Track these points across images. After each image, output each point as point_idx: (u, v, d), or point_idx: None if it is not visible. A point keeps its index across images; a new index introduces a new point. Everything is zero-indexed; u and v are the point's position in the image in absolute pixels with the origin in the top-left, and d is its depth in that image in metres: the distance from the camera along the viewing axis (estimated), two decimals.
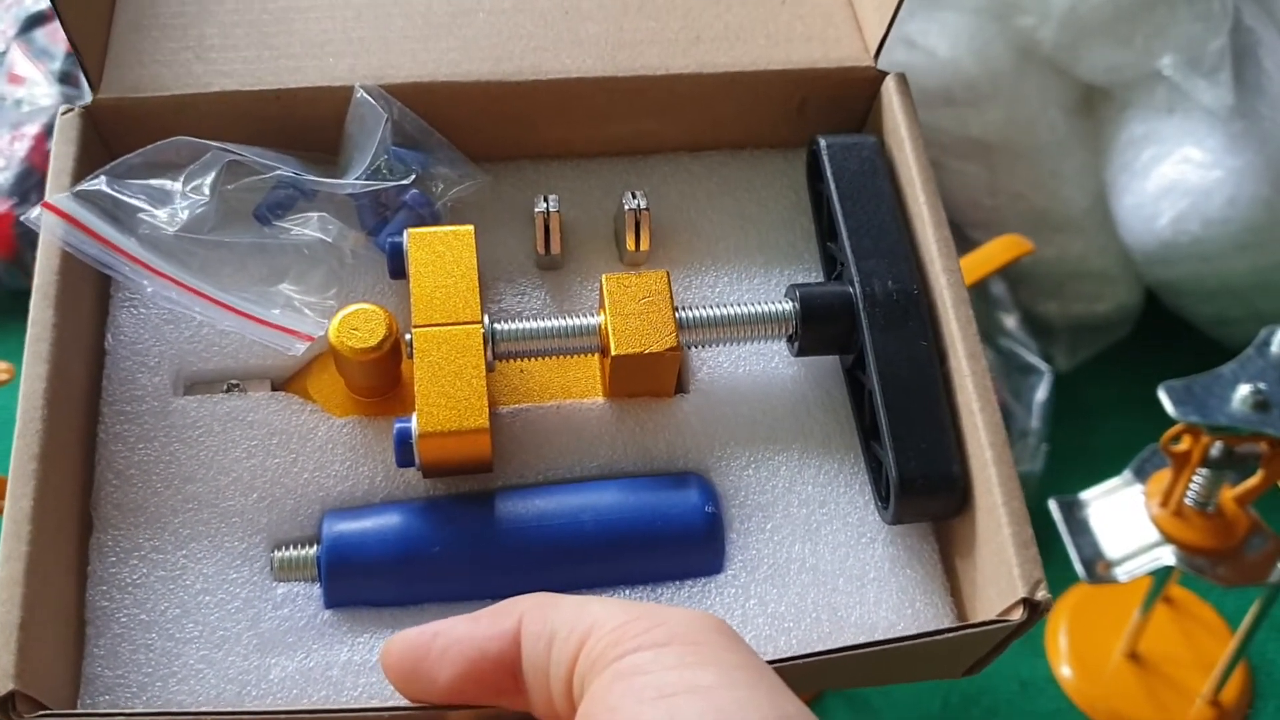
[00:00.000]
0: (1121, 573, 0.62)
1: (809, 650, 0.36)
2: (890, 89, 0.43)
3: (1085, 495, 0.66)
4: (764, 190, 0.46)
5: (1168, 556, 0.61)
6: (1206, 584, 0.62)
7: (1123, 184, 0.79)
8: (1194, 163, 0.76)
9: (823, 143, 0.42)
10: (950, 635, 0.34)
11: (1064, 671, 0.73)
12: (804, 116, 0.46)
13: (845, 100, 0.45)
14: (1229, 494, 0.62)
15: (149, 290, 0.38)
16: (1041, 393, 0.79)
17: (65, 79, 0.88)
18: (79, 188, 0.39)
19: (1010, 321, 0.82)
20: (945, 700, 0.71)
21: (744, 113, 0.45)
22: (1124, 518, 0.63)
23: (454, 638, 0.29)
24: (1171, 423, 0.56)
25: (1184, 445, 0.59)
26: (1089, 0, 0.73)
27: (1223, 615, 0.75)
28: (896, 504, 0.37)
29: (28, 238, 0.83)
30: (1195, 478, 0.60)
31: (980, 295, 0.82)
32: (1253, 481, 0.61)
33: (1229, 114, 0.74)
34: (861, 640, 0.36)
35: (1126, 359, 0.85)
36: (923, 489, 0.36)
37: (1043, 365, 0.80)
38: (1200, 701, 0.71)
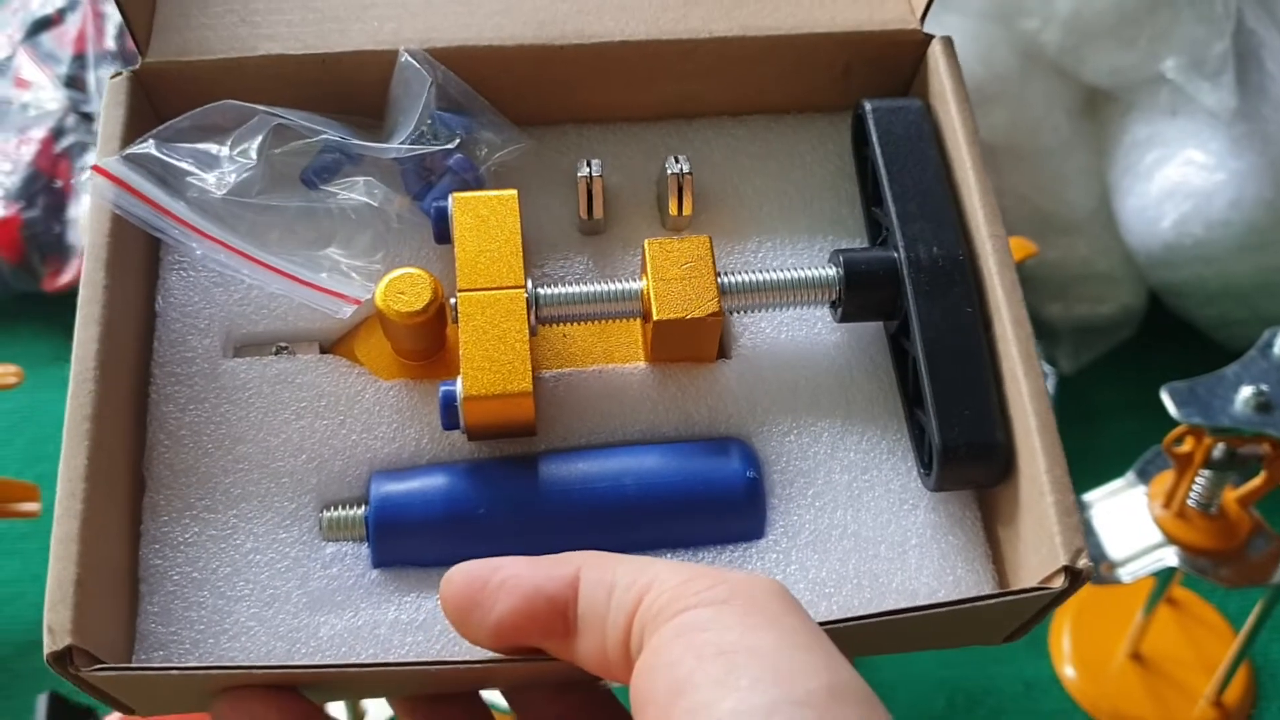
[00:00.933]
0: (1125, 574, 0.62)
1: (849, 615, 0.36)
2: (936, 52, 0.43)
3: (1089, 496, 0.66)
4: (808, 155, 0.45)
5: (1170, 558, 0.61)
6: (1209, 585, 0.62)
7: (1126, 186, 0.79)
8: (1197, 165, 0.75)
9: (868, 106, 0.42)
10: (990, 602, 0.34)
11: (1067, 672, 0.73)
12: (849, 80, 0.45)
13: (890, 64, 0.44)
14: (1232, 495, 0.62)
15: (198, 253, 0.38)
16: None
17: (71, 83, 0.88)
18: (128, 151, 0.39)
19: None
20: (950, 700, 0.71)
21: (788, 76, 0.45)
22: (1127, 519, 0.63)
23: (513, 571, 0.30)
24: (1175, 424, 0.56)
25: (1187, 447, 0.59)
26: (1092, 3, 0.73)
27: (1225, 616, 0.75)
28: (939, 471, 0.37)
29: (34, 241, 0.83)
30: (1198, 479, 0.60)
31: None
32: (1255, 483, 0.61)
33: (1232, 117, 0.74)
34: (903, 606, 0.37)
35: (1130, 361, 0.85)
36: (966, 457, 0.36)
37: (1046, 367, 0.80)
38: (1203, 702, 0.71)
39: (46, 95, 0.87)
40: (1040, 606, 0.35)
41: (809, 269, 0.40)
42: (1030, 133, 0.79)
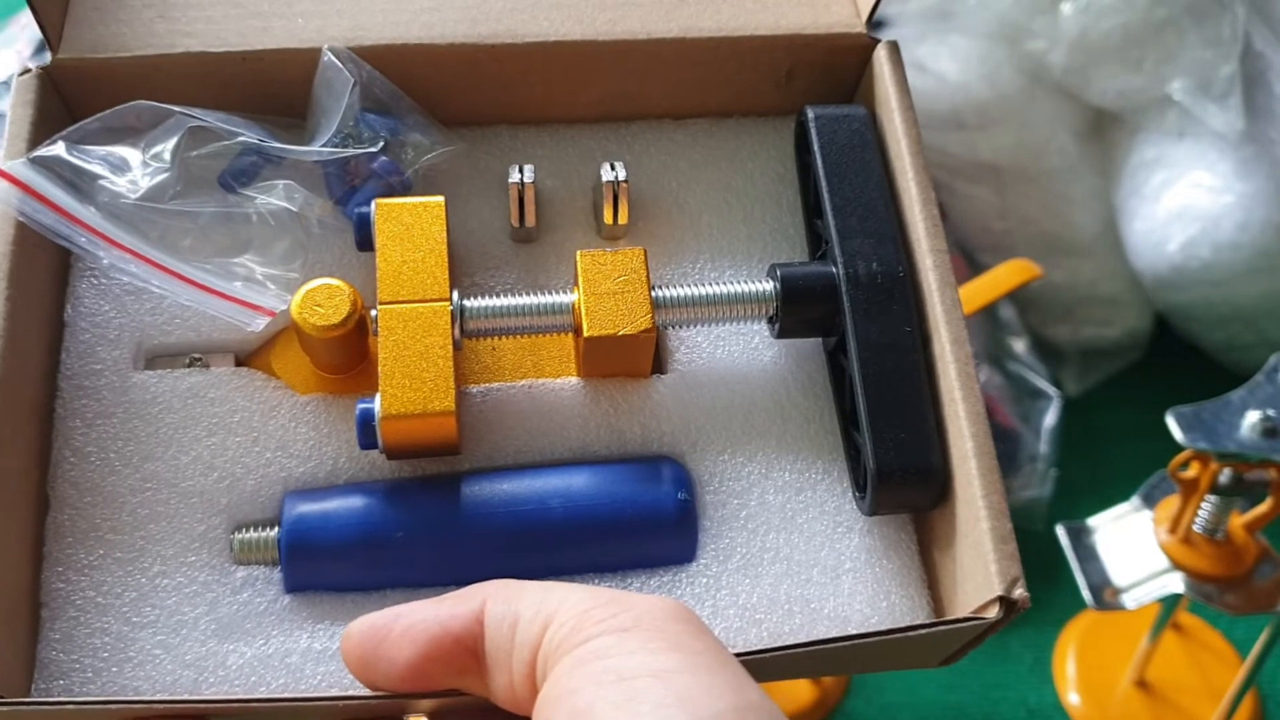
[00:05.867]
0: (1129, 599, 0.61)
1: (780, 642, 0.35)
2: (881, 57, 0.42)
3: (1093, 521, 0.65)
4: (749, 161, 0.44)
5: (1176, 584, 0.60)
6: (1215, 611, 0.61)
7: (1133, 208, 0.78)
8: (1204, 187, 0.75)
9: (811, 114, 0.41)
10: (921, 632, 0.33)
11: (1071, 699, 0.72)
12: (792, 84, 0.44)
13: (835, 68, 0.43)
14: (1238, 521, 0.61)
15: (105, 262, 0.37)
16: (1050, 417, 0.78)
17: None
18: (35, 153, 0.38)
19: (1019, 346, 0.81)
20: None
21: (730, 80, 0.44)
22: (1132, 544, 0.62)
23: (416, 617, 0.29)
24: (1180, 449, 0.55)
25: (1193, 472, 0.58)
26: (1099, 25, 0.73)
27: (1232, 643, 0.74)
28: (873, 495, 0.36)
29: None
30: (1204, 504, 0.60)
31: (989, 319, 0.81)
32: (1262, 508, 0.60)
33: (1239, 139, 0.73)
34: (834, 633, 0.36)
35: (1136, 384, 0.85)
36: (900, 480, 0.35)
37: (1052, 390, 0.79)
38: None
39: None
40: (974, 636, 0.34)
41: (745, 283, 0.38)
42: (1036, 154, 0.79)
